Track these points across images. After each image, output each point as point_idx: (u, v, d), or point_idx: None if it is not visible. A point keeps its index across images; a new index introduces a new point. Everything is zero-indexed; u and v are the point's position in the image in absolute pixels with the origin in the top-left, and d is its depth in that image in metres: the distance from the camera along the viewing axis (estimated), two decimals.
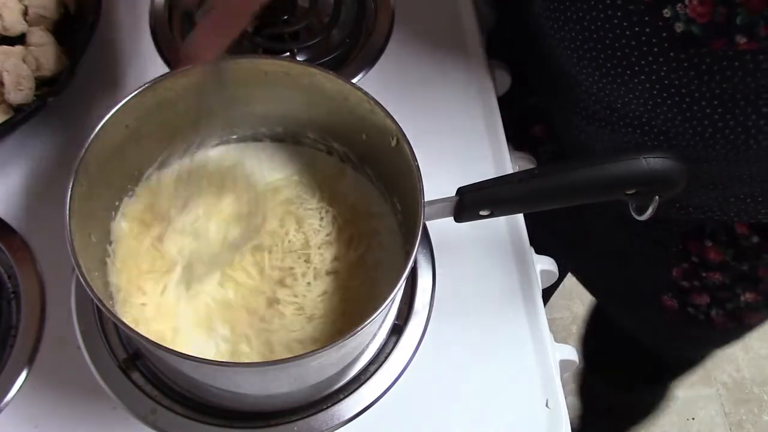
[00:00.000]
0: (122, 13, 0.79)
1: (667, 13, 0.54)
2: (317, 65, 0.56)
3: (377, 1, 0.82)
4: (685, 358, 1.09)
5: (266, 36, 0.77)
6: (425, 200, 0.51)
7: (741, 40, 0.52)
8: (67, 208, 0.49)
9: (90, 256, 0.53)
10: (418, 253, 0.49)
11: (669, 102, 0.60)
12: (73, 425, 0.58)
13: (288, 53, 0.76)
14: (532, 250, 0.70)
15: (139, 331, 0.46)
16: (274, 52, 0.76)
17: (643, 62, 0.59)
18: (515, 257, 0.68)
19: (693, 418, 1.62)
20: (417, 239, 0.49)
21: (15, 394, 0.59)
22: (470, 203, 0.51)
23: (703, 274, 0.77)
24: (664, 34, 0.56)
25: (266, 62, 0.56)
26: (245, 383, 0.56)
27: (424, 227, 0.59)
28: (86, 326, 0.60)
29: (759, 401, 1.66)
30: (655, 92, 0.60)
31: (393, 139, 0.55)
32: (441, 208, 0.52)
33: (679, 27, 0.54)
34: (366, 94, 0.55)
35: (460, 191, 0.51)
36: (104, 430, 0.58)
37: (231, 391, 0.57)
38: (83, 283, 0.46)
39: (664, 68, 0.57)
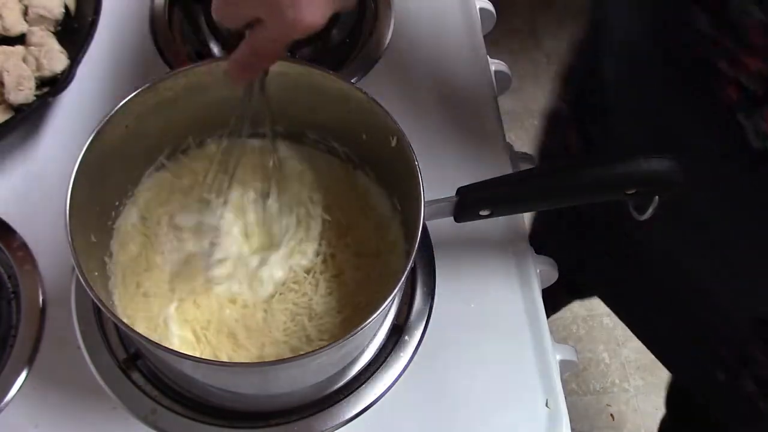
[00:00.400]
0: (122, 13, 0.79)
1: (741, 119, 0.50)
2: (317, 65, 0.56)
3: (377, 1, 0.82)
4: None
5: None
6: (425, 200, 0.51)
7: None
8: (67, 208, 0.49)
9: (90, 256, 0.53)
10: (418, 253, 0.49)
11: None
12: (73, 425, 0.58)
13: (288, 53, 0.76)
14: (532, 250, 0.70)
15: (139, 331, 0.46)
16: None
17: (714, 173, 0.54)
18: (515, 257, 0.68)
19: None
20: (417, 239, 0.49)
21: (15, 394, 0.59)
22: (470, 203, 0.51)
23: (753, 366, 0.66)
24: (736, 144, 0.51)
25: None
26: (245, 383, 0.56)
27: (424, 227, 0.59)
28: (86, 326, 0.60)
29: None
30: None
31: (393, 139, 0.55)
32: (441, 207, 0.52)
33: (753, 142, 0.50)
34: (366, 94, 0.55)
35: (460, 191, 0.51)
36: (104, 430, 0.58)
37: (231, 391, 0.57)
38: (83, 283, 0.46)
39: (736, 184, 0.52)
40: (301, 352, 0.55)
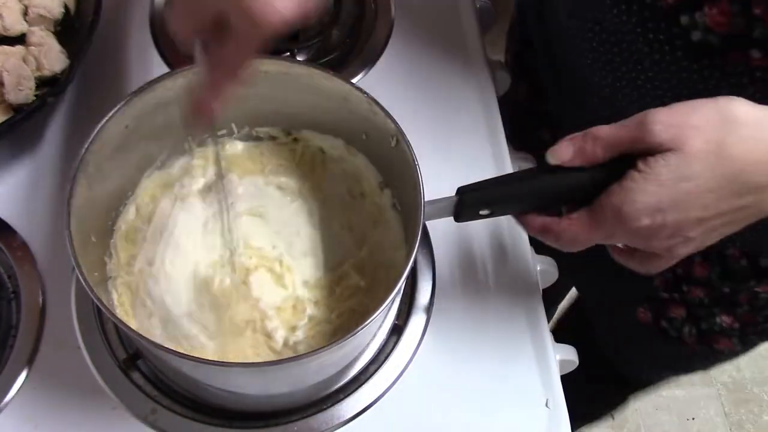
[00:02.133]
0: (122, 13, 0.79)
1: (684, 20, 0.54)
2: (317, 65, 0.56)
3: (377, 1, 0.82)
4: (644, 378, 1.07)
5: None
6: (425, 200, 0.51)
7: (756, 54, 0.51)
8: (68, 208, 0.49)
9: (90, 256, 0.53)
10: (418, 253, 0.49)
11: None
12: (73, 425, 0.58)
13: (288, 53, 0.76)
14: (532, 250, 0.70)
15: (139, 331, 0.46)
16: (274, 52, 0.76)
17: (656, 69, 0.58)
18: (515, 257, 0.68)
19: (693, 418, 1.62)
20: (417, 239, 0.49)
21: (15, 394, 0.59)
22: (470, 203, 0.51)
23: (684, 288, 0.76)
24: (679, 42, 0.55)
25: (266, 62, 0.56)
26: (245, 383, 0.56)
27: (424, 227, 0.59)
28: (86, 326, 0.60)
29: (759, 401, 1.66)
30: (666, 100, 0.59)
31: (393, 139, 0.55)
32: (441, 207, 0.51)
33: (695, 36, 0.53)
34: (366, 94, 0.55)
35: (460, 191, 0.51)
36: (104, 430, 0.58)
37: (231, 391, 0.57)
38: (83, 283, 0.46)
39: (677, 77, 0.56)
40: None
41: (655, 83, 0.59)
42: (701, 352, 0.81)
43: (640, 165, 0.44)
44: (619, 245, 0.51)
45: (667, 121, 0.44)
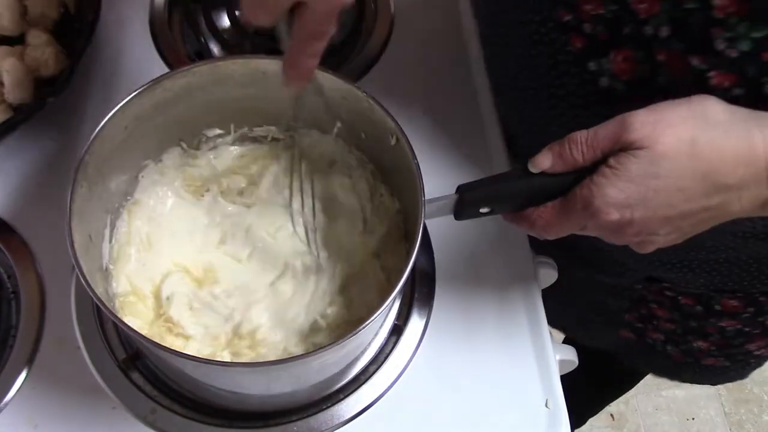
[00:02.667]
0: (122, 13, 0.79)
1: (592, 66, 0.54)
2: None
3: (377, 2, 0.82)
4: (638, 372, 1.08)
5: (266, 36, 0.77)
6: (425, 198, 0.51)
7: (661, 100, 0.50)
8: (68, 208, 0.49)
9: (90, 257, 0.53)
10: (417, 253, 0.49)
11: None
12: (73, 425, 0.58)
13: None
14: (532, 250, 0.70)
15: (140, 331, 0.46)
16: (274, 53, 0.76)
17: (571, 113, 0.58)
18: (515, 258, 0.68)
19: (693, 418, 1.62)
20: (417, 238, 0.49)
21: (15, 394, 0.59)
22: (470, 201, 0.51)
23: (655, 322, 0.77)
24: (590, 88, 0.55)
25: (265, 62, 0.56)
26: (247, 383, 0.56)
27: (424, 227, 0.59)
28: (86, 326, 0.60)
29: (759, 401, 1.66)
30: None
31: (392, 137, 0.55)
32: (441, 206, 0.51)
33: (603, 82, 0.54)
34: (365, 92, 0.55)
35: (460, 189, 0.51)
36: (104, 430, 0.58)
37: (233, 391, 0.57)
38: (84, 283, 0.46)
39: (592, 122, 0.56)
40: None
41: (571, 128, 0.59)
42: (691, 364, 0.81)
43: (611, 161, 0.45)
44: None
45: (644, 119, 0.44)
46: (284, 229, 0.61)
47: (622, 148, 0.45)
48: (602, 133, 0.46)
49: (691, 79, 0.48)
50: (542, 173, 0.48)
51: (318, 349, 0.47)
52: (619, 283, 0.75)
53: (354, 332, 0.46)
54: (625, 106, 0.46)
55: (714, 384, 0.87)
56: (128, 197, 0.60)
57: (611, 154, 0.45)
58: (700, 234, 0.59)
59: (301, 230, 0.59)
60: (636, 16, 0.49)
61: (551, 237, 0.50)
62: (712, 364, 0.79)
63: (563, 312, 0.87)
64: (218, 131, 0.62)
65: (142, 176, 0.60)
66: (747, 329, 0.71)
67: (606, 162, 0.45)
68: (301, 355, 0.47)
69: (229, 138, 0.63)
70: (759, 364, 0.80)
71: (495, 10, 0.64)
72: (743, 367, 0.79)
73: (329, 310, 0.57)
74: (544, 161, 0.48)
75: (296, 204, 0.59)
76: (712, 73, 0.47)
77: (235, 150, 0.64)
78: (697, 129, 0.43)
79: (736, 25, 0.44)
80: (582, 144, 0.46)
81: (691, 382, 0.87)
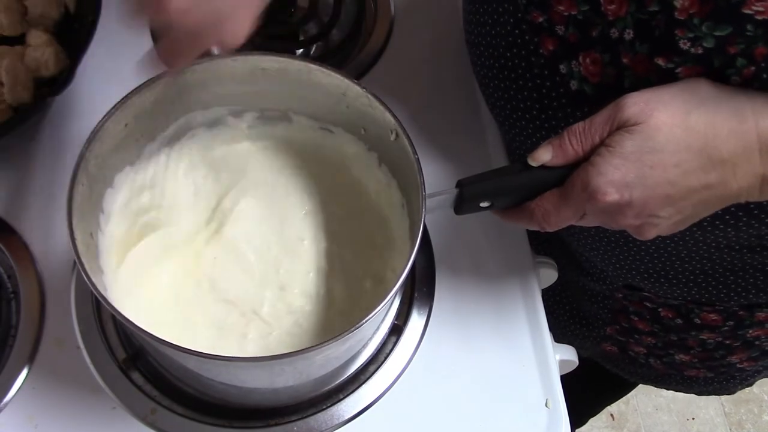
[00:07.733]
0: (122, 13, 0.79)
1: (563, 69, 0.54)
2: (315, 60, 0.56)
3: (377, 1, 0.82)
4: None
5: (266, 36, 0.77)
6: (425, 193, 0.51)
7: None
8: (69, 208, 0.49)
9: (91, 255, 0.52)
10: (418, 253, 0.49)
11: None
12: (73, 425, 0.58)
13: (287, 53, 0.76)
14: (532, 250, 0.70)
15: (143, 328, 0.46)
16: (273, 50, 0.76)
17: (543, 116, 0.58)
18: (515, 257, 0.68)
19: (693, 418, 1.62)
20: (418, 235, 0.49)
21: (15, 394, 0.59)
22: (470, 195, 0.51)
23: (636, 336, 0.77)
24: (561, 90, 0.55)
25: (264, 59, 0.56)
26: (251, 378, 0.56)
27: (425, 227, 0.59)
28: (86, 326, 0.60)
29: (759, 401, 1.66)
30: None
31: (392, 133, 0.55)
32: (441, 200, 0.51)
33: (573, 85, 0.54)
34: (364, 88, 0.54)
35: (460, 183, 0.51)
36: (104, 430, 0.58)
37: (236, 386, 0.57)
38: (88, 282, 0.46)
39: (562, 124, 0.55)
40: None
41: (543, 132, 0.59)
42: (674, 375, 0.81)
43: (608, 140, 0.45)
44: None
45: (637, 98, 0.45)
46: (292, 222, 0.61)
47: (618, 127, 0.45)
48: (598, 119, 0.46)
49: (658, 78, 0.48)
50: (542, 167, 0.48)
51: (322, 342, 0.46)
52: (601, 290, 0.75)
53: (357, 326, 0.46)
54: (596, 109, 0.47)
55: (701, 395, 0.86)
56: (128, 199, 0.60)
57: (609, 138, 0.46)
58: (675, 244, 0.59)
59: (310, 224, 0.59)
60: (605, 18, 0.49)
61: (551, 228, 0.50)
62: (695, 375, 0.79)
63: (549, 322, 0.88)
64: (218, 128, 0.62)
65: (141, 175, 0.60)
66: (728, 342, 0.71)
67: (603, 143, 0.45)
68: (306, 348, 0.47)
69: (228, 135, 0.63)
70: (746, 381, 0.79)
71: (472, 9, 0.64)
72: (727, 380, 0.79)
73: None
74: (543, 154, 0.48)
75: (306, 201, 0.59)
76: (679, 69, 0.47)
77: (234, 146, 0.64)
78: (690, 104, 0.44)
79: (699, 25, 0.45)
80: (580, 134, 0.46)
81: (678, 391, 0.87)
